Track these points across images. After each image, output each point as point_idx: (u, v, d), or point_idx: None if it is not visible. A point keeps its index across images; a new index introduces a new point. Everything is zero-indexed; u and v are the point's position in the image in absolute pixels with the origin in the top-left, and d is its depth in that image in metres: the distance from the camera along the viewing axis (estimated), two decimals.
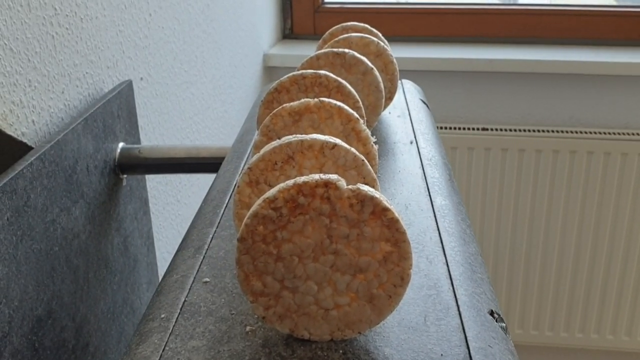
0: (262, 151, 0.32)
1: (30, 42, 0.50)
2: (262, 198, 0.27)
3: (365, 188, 0.27)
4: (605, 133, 1.42)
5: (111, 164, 0.60)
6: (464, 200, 1.47)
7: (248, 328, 0.29)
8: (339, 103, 0.37)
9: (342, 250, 0.28)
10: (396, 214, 0.27)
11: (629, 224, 1.46)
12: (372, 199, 0.27)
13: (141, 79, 0.71)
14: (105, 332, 0.58)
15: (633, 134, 1.41)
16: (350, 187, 0.27)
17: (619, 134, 1.41)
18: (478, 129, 1.44)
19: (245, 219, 0.27)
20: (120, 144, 0.61)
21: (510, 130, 1.43)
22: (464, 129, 1.44)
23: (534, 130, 1.43)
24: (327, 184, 0.27)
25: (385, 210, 0.27)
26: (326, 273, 0.28)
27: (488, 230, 1.50)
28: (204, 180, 0.97)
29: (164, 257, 0.79)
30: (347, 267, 0.28)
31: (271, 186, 0.31)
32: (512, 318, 1.57)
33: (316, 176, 0.27)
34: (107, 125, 0.59)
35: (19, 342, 0.44)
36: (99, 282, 0.57)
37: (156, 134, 0.76)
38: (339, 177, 0.27)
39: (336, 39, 0.52)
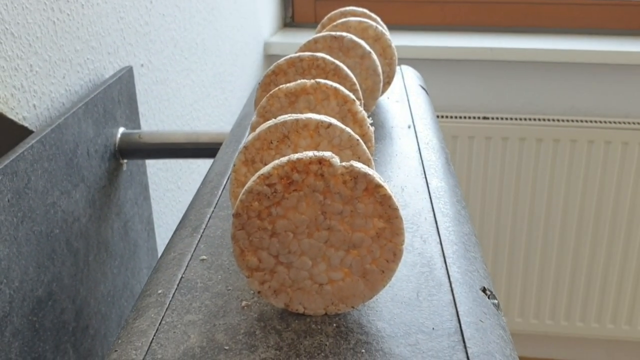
0: (257, 130, 0.32)
1: (31, 27, 0.50)
2: (256, 174, 0.28)
3: (359, 165, 0.28)
4: (605, 122, 1.42)
5: (111, 148, 0.60)
6: (465, 189, 1.48)
7: (244, 303, 0.30)
8: (335, 84, 0.37)
9: (335, 226, 0.28)
10: (389, 191, 0.28)
11: (630, 213, 1.47)
12: (366, 175, 0.28)
13: (142, 65, 0.71)
14: (105, 315, 0.59)
15: (633, 123, 1.41)
16: (343, 164, 0.28)
17: (619, 123, 1.41)
18: (479, 118, 1.44)
19: (240, 195, 0.28)
20: (121, 129, 0.62)
21: (511, 119, 1.43)
22: (464, 117, 1.44)
23: (534, 119, 1.43)
24: (320, 161, 0.28)
25: (378, 186, 0.28)
26: (320, 248, 0.28)
27: (488, 218, 1.51)
28: (204, 167, 0.97)
29: (164, 243, 0.79)
30: (341, 243, 0.28)
31: (267, 165, 0.32)
32: (512, 307, 1.58)
33: (310, 153, 0.28)
34: (108, 110, 0.59)
35: (19, 322, 0.44)
36: (99, 265, 0.58)
37: (156, 121, 0.76)
38: (333, 155, 0.28)
39: (334, 23, 0.52)
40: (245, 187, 0.28)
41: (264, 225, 0.28)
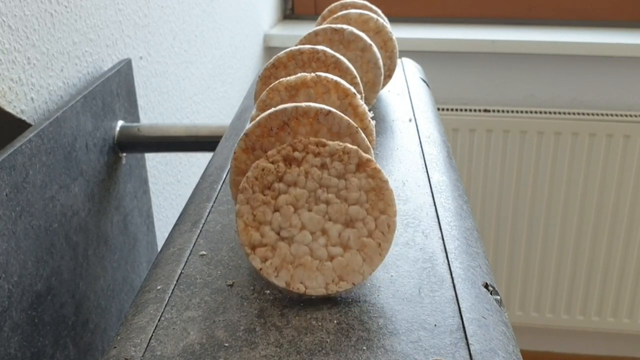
0: (258, 117, 0.32)
1: (28, 20, 0.49)
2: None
3: (351, 145, 0.30)
4: (607, 115, 1.41)
5: (110, 142, 0.60)
6: (465, 182, 1.48)
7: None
8: (335, 78, 0.37)
9: (333, 199, 0.30)
10: (377, 165, 0.30)
11: (631, 206, 1.46)
12: (357, 152, 0.30)
13: (140, 58, 0.71)
14: (105, 309, 0.59)
15: (636, 116, 1.40)
16: (338, 142, 0.30)
17: (621, 115, 1.41)
18: (480, 111, 1.43)
19: (248, 172, 0.29)
20: (120, 122, 0.61)
21: (512, 112, 1.43)
22: (465, 110, 1.44)
23: (536, 112, 1.42)
24: (318, 143, 0.30)
25: (368, 161, 0.30)
26: (319, 222, 0.30)
27: (489, 211, 1.50)
28: (204, 161, 0.97)
29: (163, 237, 0.79)
30: (339, 216, 0.30)
31: (266, 152, 0.32)
32: (512, 300, 1.58)
33: (311, 138, 0.30)
34: (106, 103, 0.59)
35: (18, 317, 0.44)
36: (99, 259, 0.58)
37: (155, 114, 0.76)
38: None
39: (335, 15, 0.52)
40: (253, 164, 0.29)
41: (267, 199, 0.29)
